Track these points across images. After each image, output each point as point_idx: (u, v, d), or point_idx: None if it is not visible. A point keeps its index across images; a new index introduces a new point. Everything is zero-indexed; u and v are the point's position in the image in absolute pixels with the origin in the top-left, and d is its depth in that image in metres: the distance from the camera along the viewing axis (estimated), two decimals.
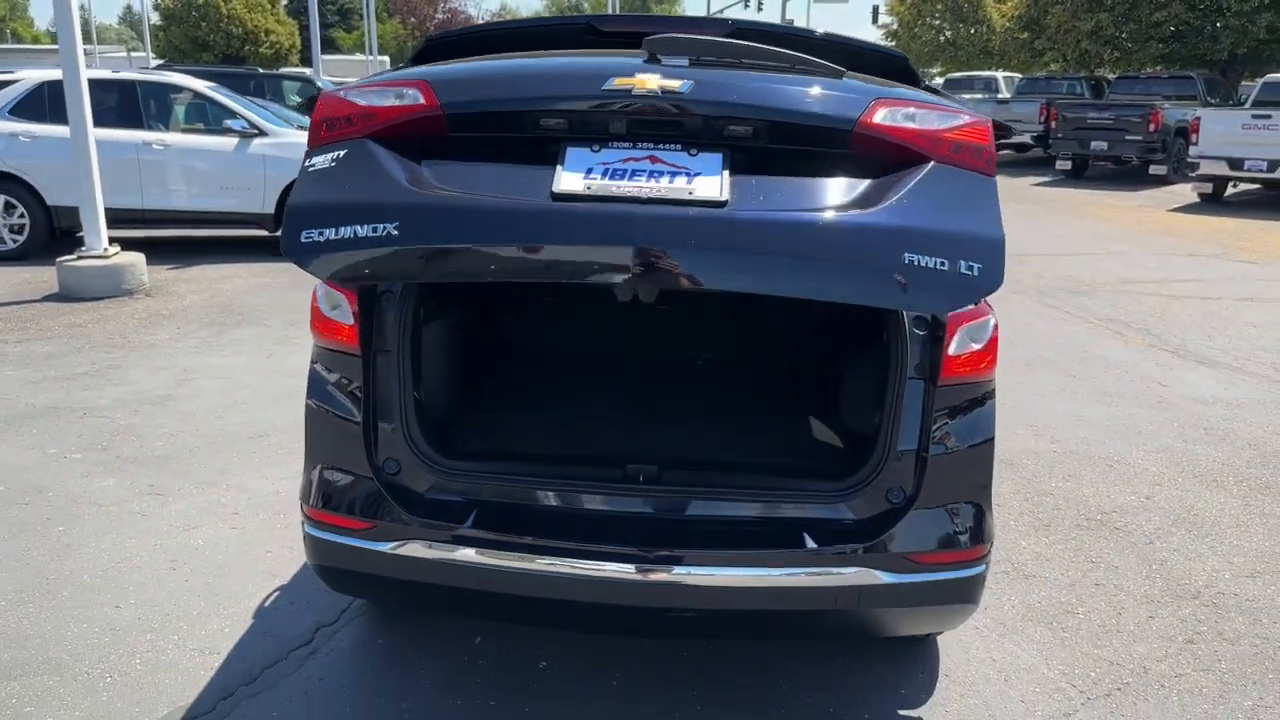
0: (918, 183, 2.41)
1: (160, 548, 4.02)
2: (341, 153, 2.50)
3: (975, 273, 2.27)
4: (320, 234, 2.34)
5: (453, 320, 3.53)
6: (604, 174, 2.42)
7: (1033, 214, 15.08)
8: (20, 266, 9.76)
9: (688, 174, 2.42)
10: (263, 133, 10.47)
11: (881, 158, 2.49)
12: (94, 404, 5.80)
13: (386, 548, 2.67)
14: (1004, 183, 19.21)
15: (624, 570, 2.55)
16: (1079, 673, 3.31)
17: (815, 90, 2.57)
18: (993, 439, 2.72)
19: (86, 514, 4.32)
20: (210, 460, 4.95)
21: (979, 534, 2.68)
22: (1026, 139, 22.26)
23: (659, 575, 2.56)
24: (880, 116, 2.49)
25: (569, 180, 2.41)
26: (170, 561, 3.91)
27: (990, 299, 2.59)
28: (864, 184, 2.45)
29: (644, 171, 2.43)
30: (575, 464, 2.98)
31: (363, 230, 2.31)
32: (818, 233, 2.34)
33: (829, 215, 2.36)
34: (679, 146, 2.49)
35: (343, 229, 2.32)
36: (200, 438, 5.27)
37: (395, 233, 2.30)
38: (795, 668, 3.27)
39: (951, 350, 2.62)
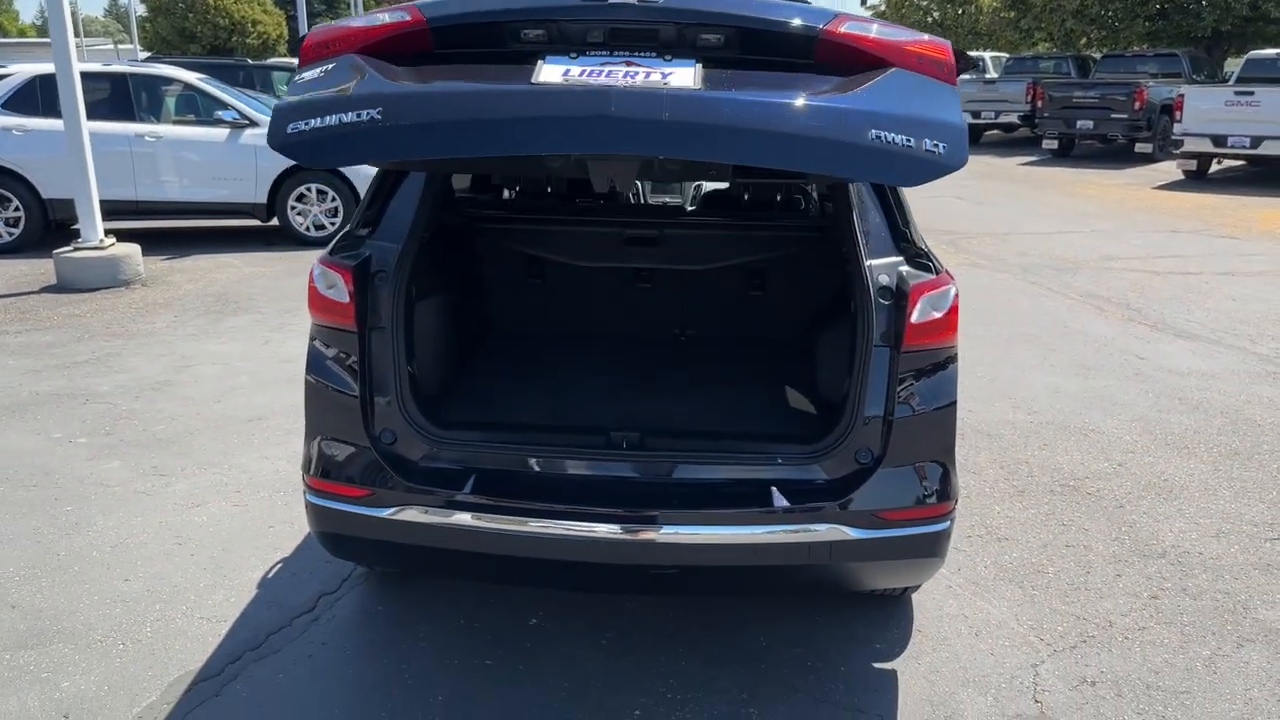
0: (883, 80, 2.49)
1: (166, 525, 4.17)
2: (329, 65, 2.59)
3: (940, 151, 2.32)
4: (306, 124, 2.40)
5: (444, 298, 3.68)
6: (582, 73, 2.50)
7: (1019, 193, 15.24)
8: (16, 259, 9.87)
9: (663, 74, 2.50)
10: (253, 123, 10.57)
11: (848, 65, 2.58)
12: (96, 390, 5.94)
13: (385, 513, 2.82)
14: (990, 163, 19.37)
15: (610, 530, 2.71)
16: (1046, 627, 3.47)
17: (784, 4, 2.71)
18: (955, 402, 2.88)
19: (93, 494, 4.47)
20: (211, 443, 5.09)
21: (944, 493, 2.84)
22: (1013, 119, 22.40)
23: (643, 534, 2.72)
24: (846, 27, 2.60)
25: (548, 74, 2.49)
26: (176, 537, 4.06)
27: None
28: (831, 80, 2.54)
29: (620, 70, 2.51)
30: (562, 432, 3.15)
31: (347, 117, 2.37)
32: (788, 110, 2.38)
33: (799, 98, 2.41)
34: (654, 54, 2.58)
35: (328, 118, 2.39)
36: (201, 421, 5.41)
37: (378, 116, 2.36)
38: (773, 625, 3.43)
39: (914, 318, 2.78)
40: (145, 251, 9.31)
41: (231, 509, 4.33)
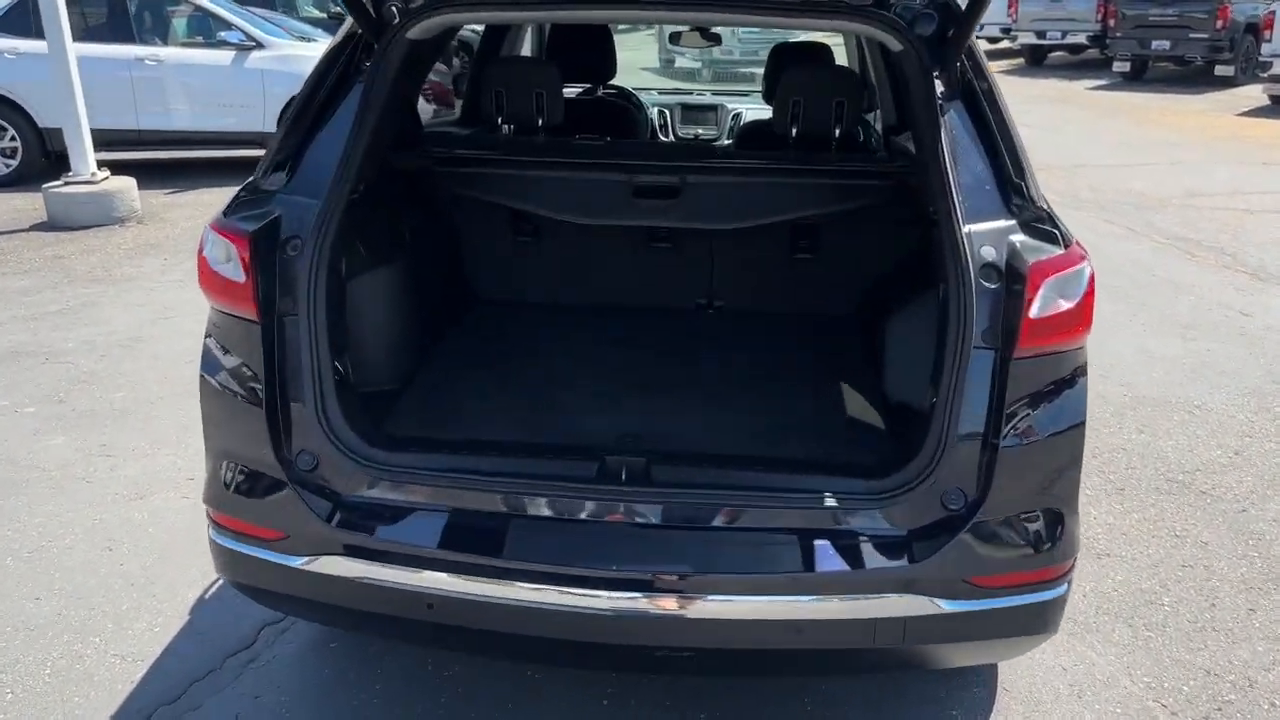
0: None
1: (100, 523, 3.53)
2: None
3: None
4: None
5: (394, 271, 2.96)
6: None
7: (1088, 120, 14.07)
8: (13, 193, 9.24)
9: None
10: (260, 45, 9.80)
11: None
12: (59, 347, 5.30)
13: (298, 563, 2.13)
14: (1057, 86, 18.08)
15: (592, 600, 2.00)
16: (1168, 686, 2.74)
17: None
18: (1083, 424, 2.11)
19: (27, 480, 3.85)
20: (172, 414, 4.44)
21: (1061, 547, 2.09)
22: (1081, 40, 20.93)
23: (638, 605, 2.00)
24: None
25: None
26: (108, 541, 3.42)
27: None
28: None
29: None
30: (542, 457, 2.42)
31: None
32: None
33: None
34: None
35: None
36: (165, 387, 4.76)
37: None
38: (826, 683, 2.72)
39: (1034, 311, 2.00)
40: (146, 185, 8.66)
41: (178, 501, 3.68)
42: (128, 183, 8.39)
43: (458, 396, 3.04)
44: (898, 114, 3.87)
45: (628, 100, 5.77)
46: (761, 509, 2.13)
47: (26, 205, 8.68)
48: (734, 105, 6.34)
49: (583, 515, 2.16)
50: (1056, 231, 2.18)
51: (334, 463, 2.22)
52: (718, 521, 2.13)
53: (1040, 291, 2.01)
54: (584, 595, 2.01)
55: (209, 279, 2.23)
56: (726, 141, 6.22)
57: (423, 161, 3.47)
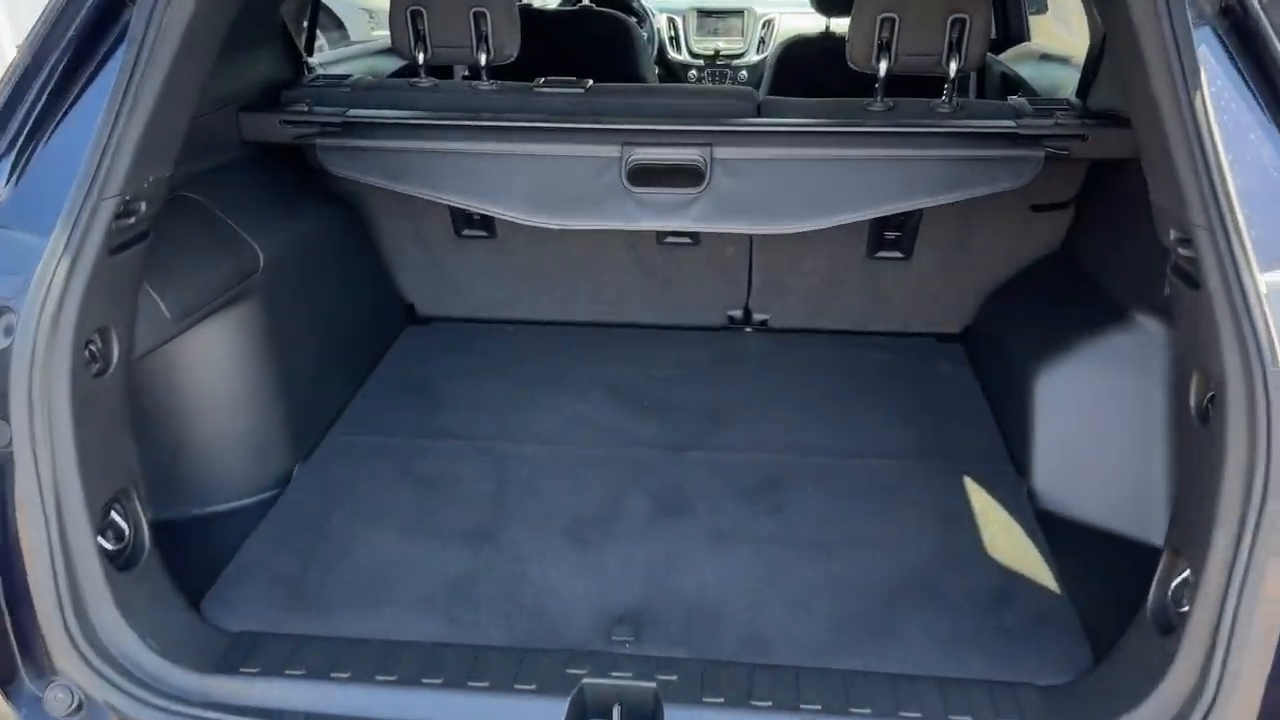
0: None
1: None
2: None
3: None
4: None
5: (241, 310, 1.87)
6: None
7: None
8: None
9: None
10: None
11: None
12: None
13: None
14: None
15: None
16: None
17: None
18: None
19: None
20: None
21: None
22: None
23: None
24: None
25: None
26: None
27: None
28: None
29: None
30: (479, 679, 1.51)
31: None
32: None
33: None
34: None
35: None
36: None
37: None
38: None
39: None
40: None
41: None
42: None
43: (350, 530, 1.92)
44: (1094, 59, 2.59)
45: (626, 8, 4.43)
46: None
47: None
48: (764, 10, 4.98)
49: None
50: None
51: (110, 701, 1.42)
52: None
53: None
54: None
55: None
56: (755, 58, 4.89)
57: (297, 131, 2.24)
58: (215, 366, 1.98)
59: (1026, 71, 3.33)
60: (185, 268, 1.83)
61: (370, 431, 2.28)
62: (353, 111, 2.27)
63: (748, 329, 2.79)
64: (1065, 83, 3.08)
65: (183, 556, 1.83)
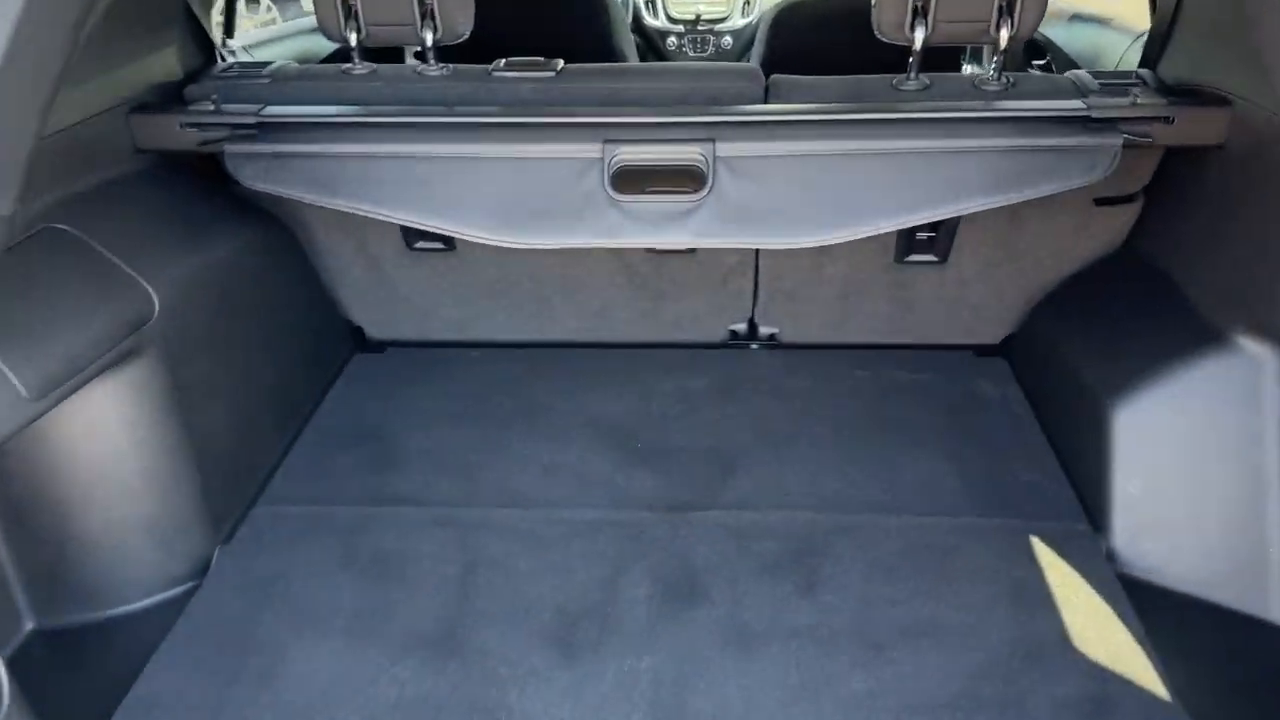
0: None
1: None
2: None
3: None
4: None
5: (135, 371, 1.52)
6: None
7: None
8: None
9: None
10: None
11: None
12: None
13: None
14: None
15: None
16: None
17: None
18: None
19: None
20: None
21: None
22: None
23: None
24: None
25: None
26: None
27: None
28: None
29: None
30: None
31: None
32: None
33: None
34: None
35: None
36: None
37: None
38: None
39: None
40: None
41: None
42: None
43: (281, 638, 1.61)
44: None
45: None
46: None
47: None
48: None
49: None
50: None
51: None
52: None
53: None
54: None
55: None
56: (741, 22, 4.46)
57: (203, 136, 1.83)
58: (103, 442, 1.58)
59: (1056, 35, 2.94)
60: (50, 326, 1.42)
61: (307, 500, 1.89)
62: (270, 109, 1.85)
63: (754, 345, 2.41)
64: (1106, 50, 2.69)
65: (68, 688, 1.45)
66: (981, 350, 2.35)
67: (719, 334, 2.40)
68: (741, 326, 2.39)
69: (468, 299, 2.35)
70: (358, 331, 2.44)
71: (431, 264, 2.28)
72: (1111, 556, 1.71)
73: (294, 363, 2.15)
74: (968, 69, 3.35)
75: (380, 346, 2.45)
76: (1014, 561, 1.70)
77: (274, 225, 2.14)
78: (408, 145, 1.81)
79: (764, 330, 2.39)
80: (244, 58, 2.57)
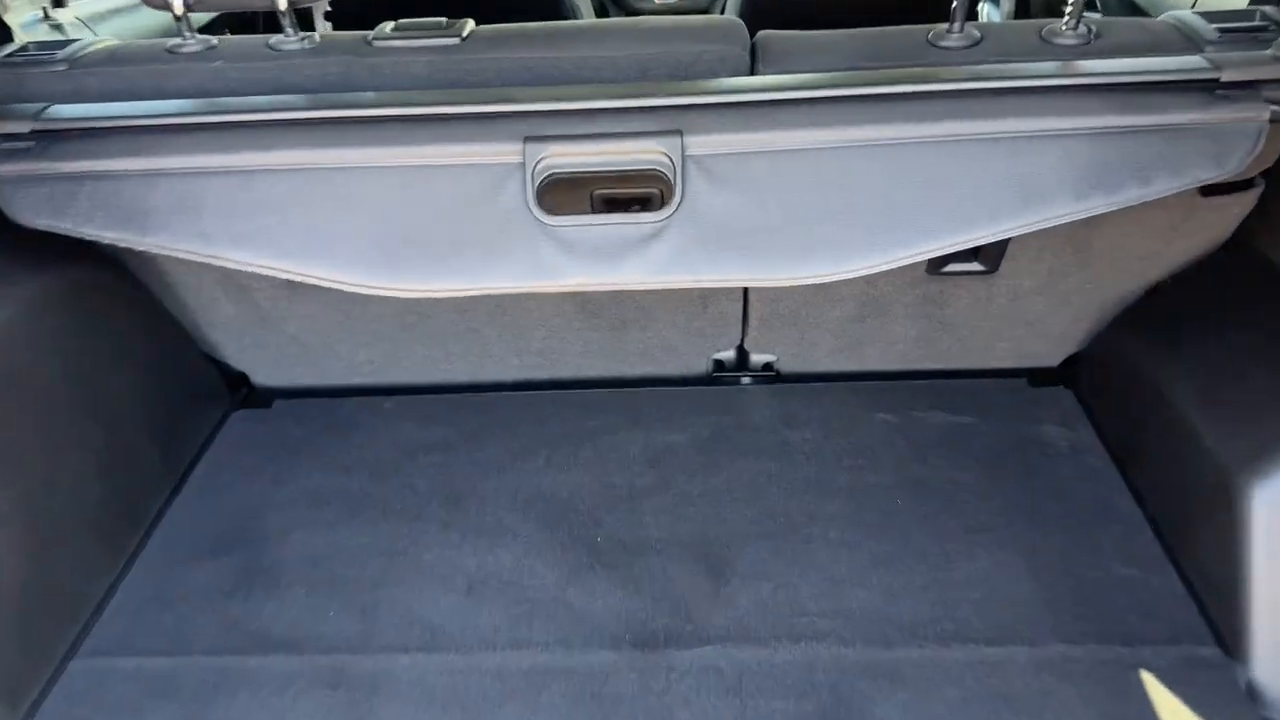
0: None
1: None
2: None
3: None
4: None
5: None
6: None
7: None
8: None
9: None
10: None
11: None
12: None
13: None
14: None
15: None
16: None
17: None
18: None
19: None
20: None
21: None
22: None
23: None
24: None
25: None
26: None
27: None
28: None
29: None
30: None
31: None
32: None
33: None
34: None
35: None
36: None
37: None
38: None
39: None
40: None
41: None
42: None
43: None
44: None
45: None
46: None
47: None
48: None
49: None
50: None
51: None
52: None
53: None
54: None
55: None
56: None
57: None
58: None
59: None
60: None
61: (143, 648, 1.38)
62: (54, 110, 1.31)
63: (745, 379, 1.90)
64: None
65: None
66: (1037, 376, 1.85)
67: (700, 366, 1.88)
68: (729, 355, 1.88)
69: (375, 334, 1.83)
70: (239, 380, 1.92)
71: (319, 295, 1.75)
72: (1254, 694, 1.23)
73: (137, 442, 1.63)
74: (984, 7, 2.81)
75: (268, 398, 1.92)
76: (1123, 708, 1.21)
77: (103, 267, 1.61)
78: (245, 154, 1.27)
79: (757, 359, 1.88)
80: (79, 34, 2.01)
